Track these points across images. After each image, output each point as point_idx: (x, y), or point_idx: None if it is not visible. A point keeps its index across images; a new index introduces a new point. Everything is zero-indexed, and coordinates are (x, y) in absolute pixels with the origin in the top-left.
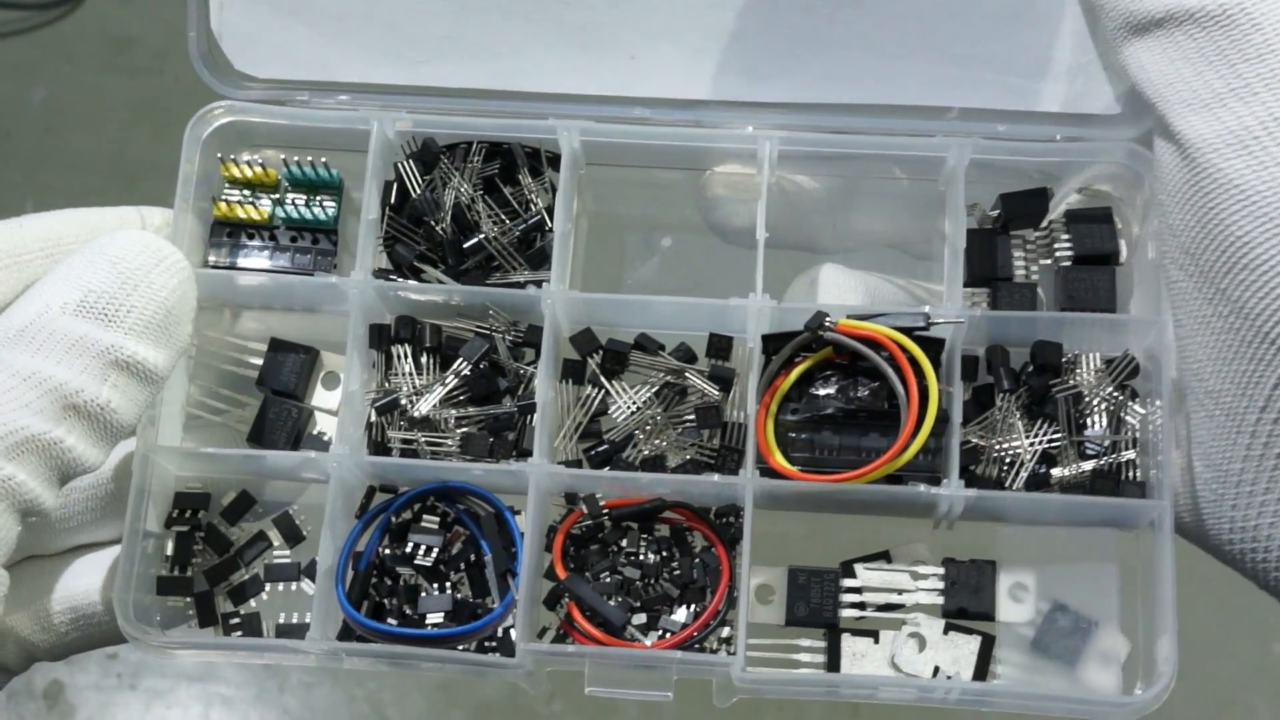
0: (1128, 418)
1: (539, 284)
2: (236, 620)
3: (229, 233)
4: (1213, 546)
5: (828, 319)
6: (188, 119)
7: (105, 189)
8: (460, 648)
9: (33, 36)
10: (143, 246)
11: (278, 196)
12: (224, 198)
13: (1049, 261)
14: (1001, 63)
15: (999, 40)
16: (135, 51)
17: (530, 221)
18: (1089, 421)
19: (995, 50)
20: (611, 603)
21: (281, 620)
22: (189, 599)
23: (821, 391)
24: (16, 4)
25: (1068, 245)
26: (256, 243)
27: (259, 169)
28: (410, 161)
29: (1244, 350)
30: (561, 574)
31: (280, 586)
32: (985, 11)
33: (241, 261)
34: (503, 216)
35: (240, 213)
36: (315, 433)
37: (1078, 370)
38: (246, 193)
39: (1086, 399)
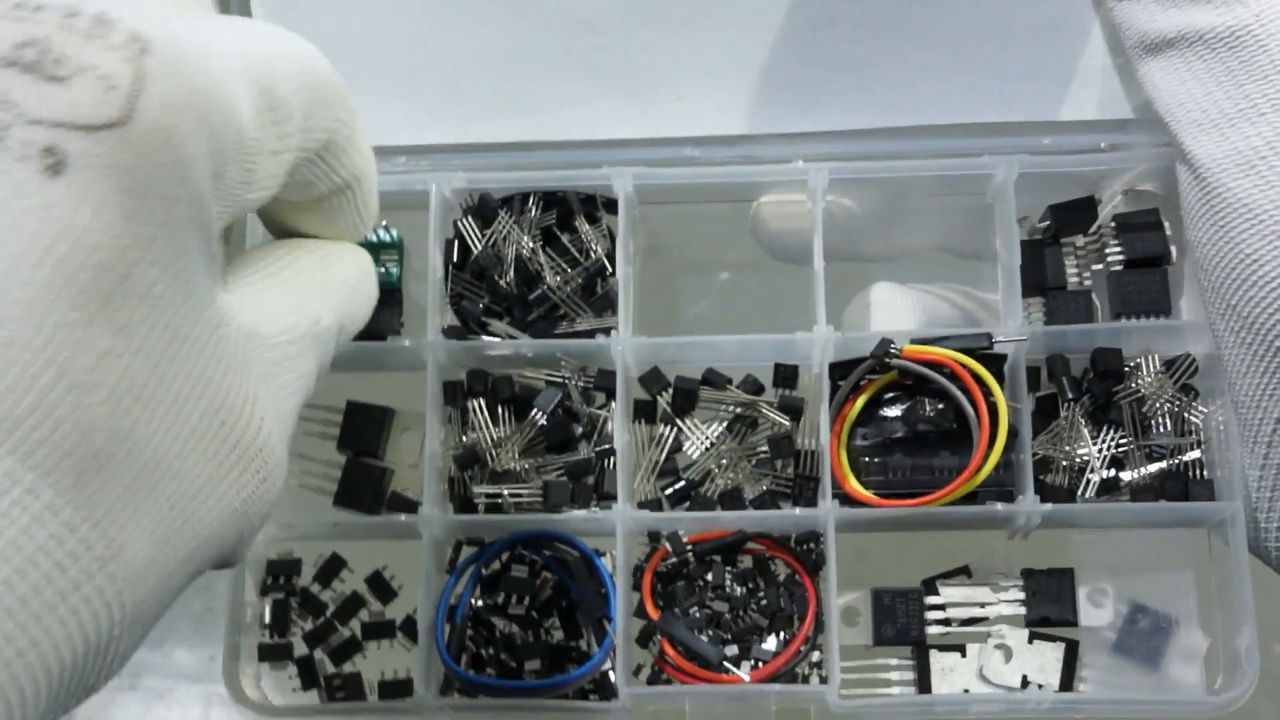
0: (1191, 417)
1: (606, 331)
2: (339, 681)
3: None
4: (1254, 551)
5: (893, 345)
6: None
7: None
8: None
9: None
10: (366, 270)
11: None
12: None
13: (1100, 267)
14: (1041, 74)
15: (1036, 53)
16: None
17: (591, 268)
18: (1154, 424)
19: (1034, 63)
20: (704, 637)
21: (383, 676)
22: (290, 663)
23: (890, 413)
24: None
25: (1118, 250)
26: None
27: None
28: (469, 218)
29: (1256, 364)
30: (654, 614)
31: (378, 644)
32: (1021, 26)
33: None
34: (564, 265)
35: None
36: (400, 490)
37: (1139, 374)
38: None
39: (1149, 402)
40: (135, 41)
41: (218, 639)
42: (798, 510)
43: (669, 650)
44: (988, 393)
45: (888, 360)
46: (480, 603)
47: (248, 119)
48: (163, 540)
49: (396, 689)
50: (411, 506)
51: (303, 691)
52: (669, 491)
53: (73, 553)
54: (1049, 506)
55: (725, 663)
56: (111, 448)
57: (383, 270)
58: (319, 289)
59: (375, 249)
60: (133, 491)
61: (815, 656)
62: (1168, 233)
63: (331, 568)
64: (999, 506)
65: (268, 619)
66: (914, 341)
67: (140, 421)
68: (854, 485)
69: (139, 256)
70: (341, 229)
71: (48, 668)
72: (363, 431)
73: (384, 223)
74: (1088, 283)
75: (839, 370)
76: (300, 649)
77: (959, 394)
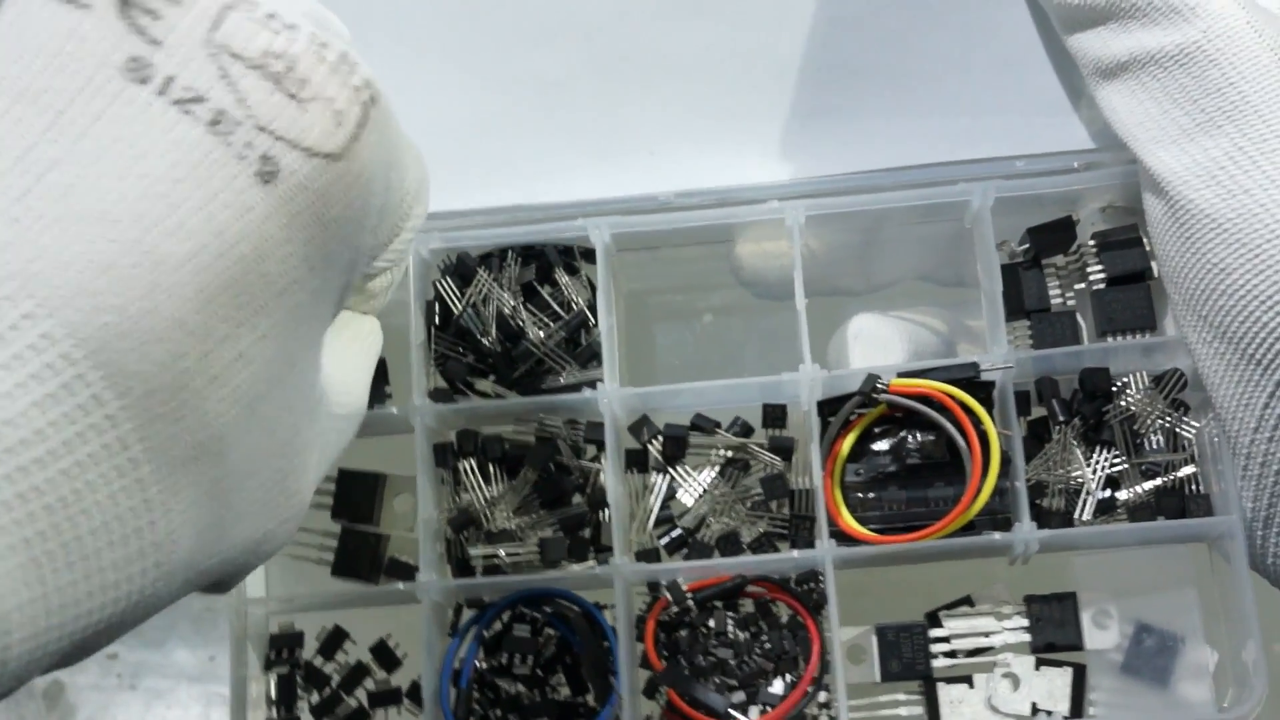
0: (1184, 432)
1: (593, 384)
2: None
3: None
4: (1254, 568)
5: (879, 381)
6: None
7: None
8: None
9: None
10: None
11: None
12: None
13: (1082, 286)
14: (1009, 108)
15: (1003, 87)
16: None
17: (573, 320)
18: (1146, 441)
19: (1001, 97)
20: (710, 685)
21: None
22: None
23: (881, 447)
24: None
25: (1099, 268)
26: None
27: None
28: (447, 278)
29: (1230, 374)
30: (657, 665)
31: (385, 713)
32: (986, 61)
33: None
34: (545, 320)
35: None
36: (397, 555)
37: (1128, 392)
38: None
39: (1141, 419)
40: (369, 88)
41: (218, 639)
42: (795, 553)
43: (676, 700)
44: (978, 422)
45: (875, 396)
46: (484, 665)
47: (412, 189)
48: (200, 548)
49: None
50: (409, 572)
51: None
52: (665, 540)
53: (139, 530)
54: (1046, 532)
55: (732, 710)
56: (209, 446)
57: None
58: (367, 361)
59: None
60: (204, 494)
61: (823, 697)
62: (1148, 248)
63: (334, 640)
64: (996, 535)
65: (273, 694)
66: (900, 375)
67: (239, 430)
68: (849, 523)
69: (299, 278)
70: (370, 307)
71: (78, 617)
72: (356, 499)
73: None
74: (1071, 303)
75: (827, 408)
76: None
77: (949, 425)
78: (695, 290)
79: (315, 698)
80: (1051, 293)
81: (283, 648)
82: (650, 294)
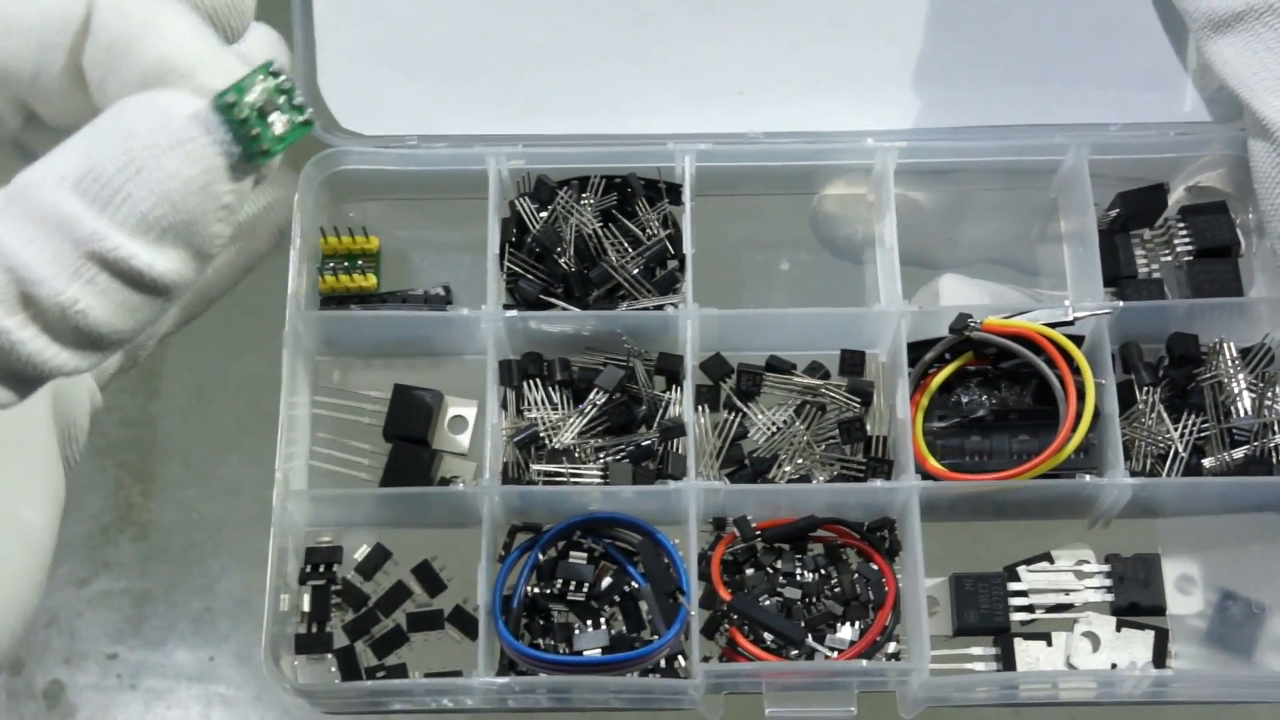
0: (1275, 404)
1: (675, 305)
2: (382, 674)
3: (337, 305)
4: None
5: (972, 320)
6: None
7: None
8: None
9: None
10: (162, 122)
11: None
12: (328, 270)
13: (1169, 258)
14: (1103, 77)
15: (1099, 55)
16: None
17: (653, 249)
18: (1233, 409)
19: (1096, 65)
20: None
21: (430, 669)
22: (329, 655)
23: (965, 398)
24: None
25: (1187, 240)
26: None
27: (361, 237)
28: (525, 200)
29: None
30: (725, 595)
31: (424, 637)
32: (1083, 28)
33: None
34: (626, 245)
35: (347, 283)
36: (447, 477)
37: (1216, 359)
38: (347, 263)
39: (1228, 387)
40: None
41: (218, 639)
42: (879, 482)
43: (740, 639)
44: (1073, 367)
45: (968, 334)
46: (537, 590)
47: None
48: None
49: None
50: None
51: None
52: (735, 478)
53: None
54: (1139, 480)
55: (808, 644)
56: None
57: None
58: None
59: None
60: None
61: (891, 647)
62: (1237, 221)
63: (376, 558)
64: (1088, 478)
65: (306, 608)
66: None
67: None
68: (934, 463)
69: None
70: None
71: None
72: (411, 417)
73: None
74: (1156, 275)
75: (915, 350)
76: (341, 640)
77: (1045, 367)
78: (769, 248)
79: (350, 615)
80: (1139, 263)
81: (319, 563)
82: (725, 249)
